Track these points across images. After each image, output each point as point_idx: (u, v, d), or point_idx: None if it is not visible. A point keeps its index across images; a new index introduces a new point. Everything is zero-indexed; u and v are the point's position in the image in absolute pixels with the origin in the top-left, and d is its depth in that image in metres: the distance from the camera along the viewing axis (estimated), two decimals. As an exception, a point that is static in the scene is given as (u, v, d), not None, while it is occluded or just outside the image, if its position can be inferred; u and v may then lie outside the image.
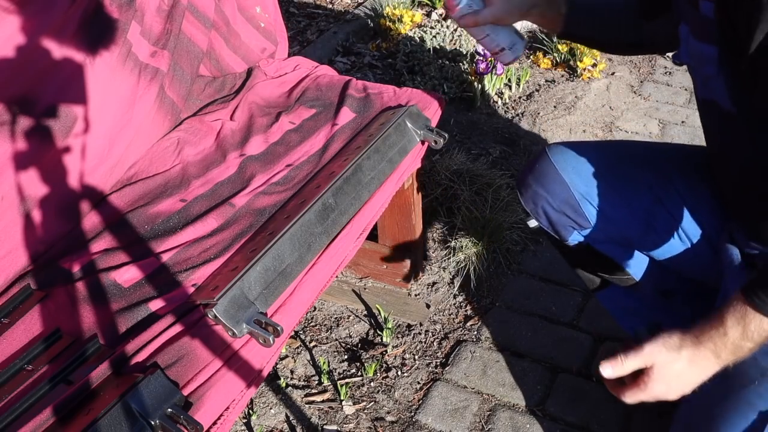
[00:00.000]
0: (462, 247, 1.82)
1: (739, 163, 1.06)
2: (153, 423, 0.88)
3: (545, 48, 2.79)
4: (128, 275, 1.12)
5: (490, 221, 1.86)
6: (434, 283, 1.82)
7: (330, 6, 3.28)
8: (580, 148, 1.29)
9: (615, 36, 1.30)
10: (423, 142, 1.46)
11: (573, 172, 1.26)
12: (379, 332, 1.69)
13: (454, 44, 2.78)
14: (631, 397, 0.94)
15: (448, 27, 2.88)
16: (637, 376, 0.93)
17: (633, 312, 1.43)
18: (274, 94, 1.63)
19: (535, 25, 3.01)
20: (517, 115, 2.45)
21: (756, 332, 0.86)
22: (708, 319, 0.90)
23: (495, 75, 2.46)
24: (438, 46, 2.76)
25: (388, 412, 1.51)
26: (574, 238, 1.33)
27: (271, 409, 1.52)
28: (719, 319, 0.88)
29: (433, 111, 1.53)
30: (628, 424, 1.46)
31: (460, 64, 2.62)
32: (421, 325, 1.71)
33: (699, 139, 2.30)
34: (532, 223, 1.35)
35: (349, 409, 1.51)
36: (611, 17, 1.29)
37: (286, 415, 1.51)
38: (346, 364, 1.62)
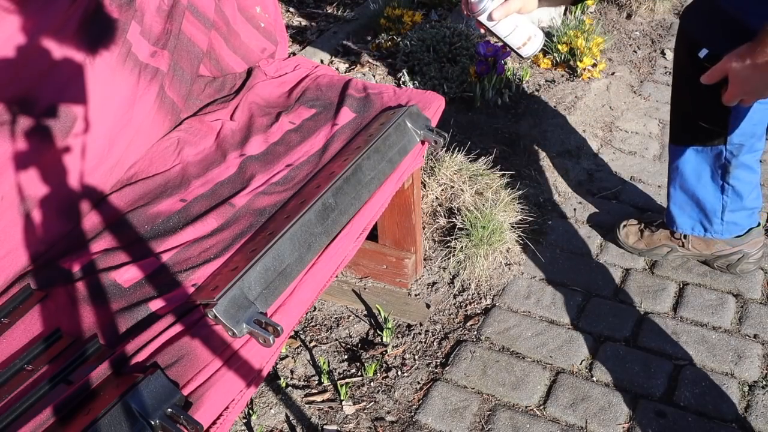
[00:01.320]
0: (462, 247, 1.82)
1: None
2: (153, 423, 0.88)
3: (545, 48, 2.79)
4: (128, 275, 1.12)
5: (490, 221, 1.86)
6: (434, 283, 1.82)
7: (330, 6, 3.28)
8: None
9: None
10: (423, 142, 1.46)
11: None
12: (379, 332, 1.69)
13: (454, 44, 2.78)
14: (726, 99, 1.26)
15: (448, 27, 2.88)
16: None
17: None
18: (274, 94, 1.63)
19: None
20: (517, 115, 2.45)
21: None
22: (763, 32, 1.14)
23: (495, 75, 2.46)
24: (438, 46, 2.76)
25: (388, 412, 1.51)
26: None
27: (271, 409, 1.52)
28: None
29: (433, 111, 1.53)
30: (628, 424, 1.46)
31: (460, 64, 2.62)
32: (421, 325, 1.71)
33: (699, 139, 2.31)
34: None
35: (349, 409, 1.51)
36: None
37: (286, 415, 1.51)
38: (346, 364, 1.62)
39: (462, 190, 1.94)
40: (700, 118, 1.60)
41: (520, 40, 1.28)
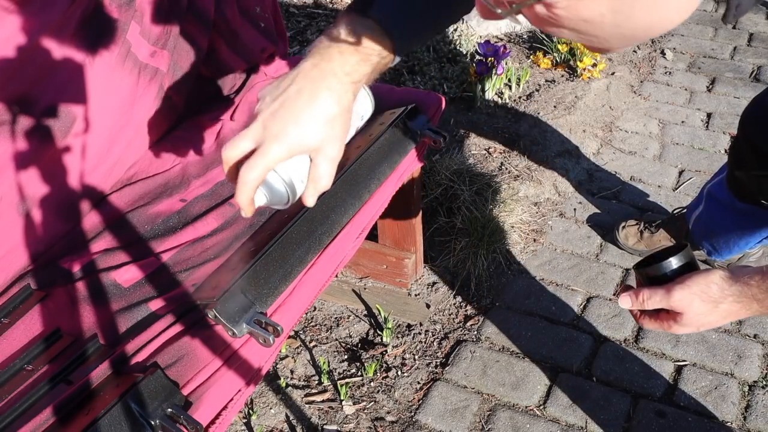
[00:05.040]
0: (462, 247, 1.82)
1: None
2: (153, 423, 0.88)
3: (545, 48, 2.79)
4: (128, 275, 1.11)
5: (490, 221, 1.86)
6: (434, 283, 1.82)
7: (330, 6, 3.28)
8: None
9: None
10: (423, 142, 1.46)
11: None
12: (379, 332, 1.68)
13: (454, 44, 2.78)
14: (650, 327, 0.91)
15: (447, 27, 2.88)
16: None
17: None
18: (274, 94, 1.63)
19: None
20: (517, 115, 2.45)
21: None
22: (765, 273, 0.83)
23: (495, 75, 2.46)
24: (438, 46, 2.76)
25: (388, 412, 1.51)
26: None
27: (271, 409, 1.52)
28: None
29: (433, 111, 1.53)
30: (628, 424, 1.46)
31: (460, 64, 2.62)
32: (421, 325, 1.71)
33: (699, 139, 2.31)
34: None
35: (349, 409, 1.51)
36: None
37: (286, 415, 1.51)
38: (346, 364, 1.62)
39: (462, 190, 1.94)
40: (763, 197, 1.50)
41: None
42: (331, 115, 0.79)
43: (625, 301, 0.90)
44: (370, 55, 0.83)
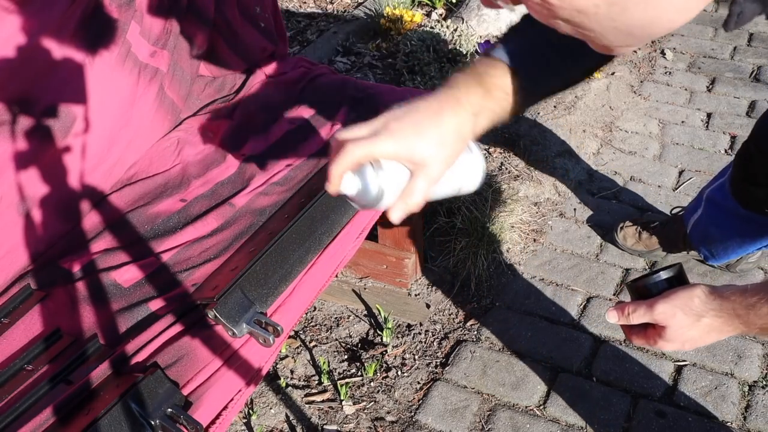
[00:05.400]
0: (462, 247, 1.82)
1: None
2: (153, 423, 0.88)
3: (545, 48, 2.78)
4: (128, 275, 1.12)
5: (490, 221, 1.86)
6: (434, 283, 1.82)
7: (330, 6, 3.28)
8: None
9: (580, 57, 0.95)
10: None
11: None
12: (379, 332, 1.68)
13: (454, 44, 2.78)
14: (638, 343, 0.92)
15: (448, 27, 2.88)
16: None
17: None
18: (274, 94, 1.63)
19: (535, 25, 3.02)
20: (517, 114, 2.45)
21: None
22: (746, 290, 0.82)
23: (495, 75, 2.46)
24: (438, 46, 2.76)
25: (388, 412, 1.51)
26: None
27: (271, 409, 1.52)
28: (761, 293, 0.80)
29: (433, 111, 1.53)
30: (628, 424, 1.46)
31: (460, 64, 2.62)
32: (421, 325, 1.71)
33: (699, 139, 2.31)
34: None
35: (349, 409, 1.51)
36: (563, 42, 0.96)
37: (286, 415, 1.51)
38: (346, 364, 1.62)
39: (462, 190, 1.93)
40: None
41: (450, 192, 0.91)
42: (447, 137, 0.80)
43: (612, 316, 0.91)
44: (493, 91, 0.84)
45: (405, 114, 0.79)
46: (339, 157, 0.77)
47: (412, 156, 0.77)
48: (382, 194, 0.79)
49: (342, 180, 0.78)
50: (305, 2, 3.32)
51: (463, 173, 0.87)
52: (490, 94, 0.84)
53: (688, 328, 0.85)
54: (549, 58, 0.89)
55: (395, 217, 0.80)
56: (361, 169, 0.78)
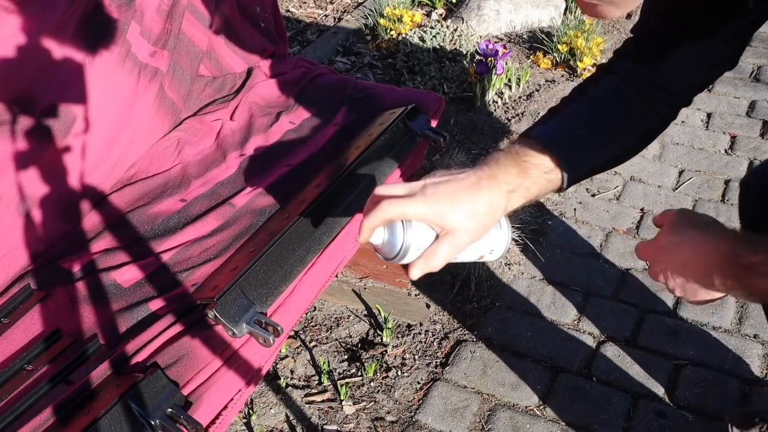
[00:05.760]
0: (462, 247, 1.82)
1: None
2: (153, 423, 0.88)
3: (545, 48, 2.79)
4: (128, 275, 1.12)
5: (490, 221, 1.86)
6: (434, 283, 1.82)
7: (330, 6, 3.28)
8: None
9: (632, 131, 0.98)
10: (423, 142, 1.46)
11: None
12: (379, 332, 1.68)
13: (454, 44, 2.78)
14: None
15: (448, 27, 2.88)
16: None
17: None
18: (274, 94, 1.63)
19: (534, 25, 3.03)
20: (517, 115, 2.45)
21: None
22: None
23: (495, 75, 2.46)
24: (438, 46, 2.76)
25: (388, 412, 1.51)
26: None
27: (271, 409, 1.52)
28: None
29: (433, 111, 1.53)
30: (628, 424, 1.46)
31: (460, 64, 2.62)
32: (421, 325, 1.71)
33: (699, 139, 2.31)
34: None
35: (349, 409, 1.51)
36: (612, 111, 0.97)
37: (286, 415, 1.51)
38: (346, 364, 1.62)
39: (462, 190, 1.93)
40: None
41: (472, 257, 0.93)
42: (479, 210, 0.83)
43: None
44: (529, 170, 0.87)
45: (443, 181, 0.83)
46: (374, 212, 0.81)
47: (442, 222, 0.81)
48: (407, 251, 0.83)
49: (373, 233, 0.83)
50: (305, 2, 3.32)
51: (487, 244, 0.90)
52: (526, 173, 0.87)
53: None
54: (585, 137, 0.93)
55: (414, 274, 0.83)
56: (392, 223, 0.82)
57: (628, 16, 3.13)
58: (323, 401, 1.53)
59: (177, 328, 1.01)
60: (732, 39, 0.91)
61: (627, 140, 0.97)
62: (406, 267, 0.86)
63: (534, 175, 0.88)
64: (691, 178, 2.14)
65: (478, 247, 0.89)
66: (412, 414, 1.50)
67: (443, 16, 3.14)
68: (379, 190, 0.84)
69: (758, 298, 0.80)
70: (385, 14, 2.97)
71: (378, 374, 1.59)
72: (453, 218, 0.81)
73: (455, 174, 0.84)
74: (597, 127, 0.94)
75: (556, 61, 2.74)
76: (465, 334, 1.68)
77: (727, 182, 2.10)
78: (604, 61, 2.67)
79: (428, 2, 3.21)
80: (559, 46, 2.71)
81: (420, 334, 1.69)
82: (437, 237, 0.83)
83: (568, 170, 0.90)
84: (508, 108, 2.49)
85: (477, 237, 0.85)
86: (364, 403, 1.53)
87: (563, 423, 1.47)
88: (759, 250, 0.76)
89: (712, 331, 1.65)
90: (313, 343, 1.67)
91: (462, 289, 1.79)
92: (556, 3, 3.06)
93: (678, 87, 0.95)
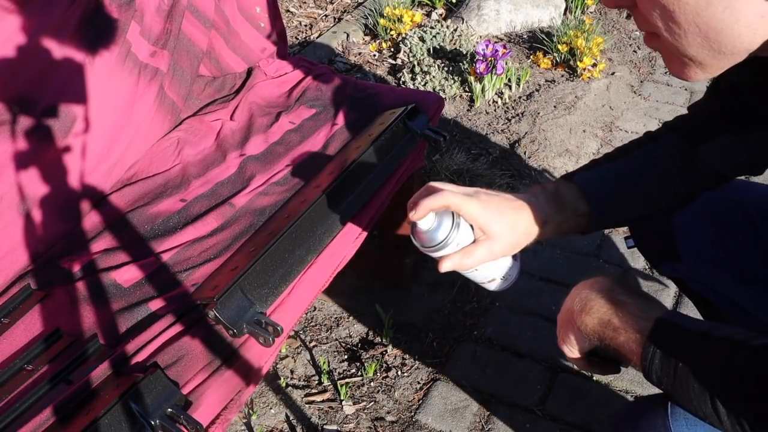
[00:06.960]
0: (462, 247, 1.82)
1: None
2: (153, 423, 0.88)
3: (545, 48, 2.79)
4: (128, 275, 1.11)
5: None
6: (434, 283, 1.82)
7: (330, 6, 3.28)
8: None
9: (660, 197, 1.03)
10: (423, 142, 1.46)
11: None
12: (379, 332, 1.69)
13: (454, 44, 2.78)
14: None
15: (448, 27, 2.88)
16: None
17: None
18: (274, 94, 1.63)
19: (534, 25, 3.02)
20: (517, 115, 2.45)
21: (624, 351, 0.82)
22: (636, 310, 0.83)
23: (495, 75, 2.46)
24: (438, 46, 2.76)
25: (388, 412, 1.51)
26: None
27: (271, 409, 1.52)
28: (633, 322, 0.81)
29: (433, 111, 1.53)
30: (628, 424, 1.46)
31: (460, 64, 2.62)
32: (421, 325, 1.71)
33: (699, 139, 2.31)
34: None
35: (349, 409, 1.51)
36: (646, 176, 1.02)
37: (286, 415, 1.51)
38: (346, 364, 1.62)
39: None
40: None
41: (480, 280, 0.98)
42: (519, 227, 0.91)
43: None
44: (565, 208, 0.96)
45: (494, 194, 0.92)
46: (435, 196, 0.87)
47: (487, 227, 0.88)
48: (446, 245, 0.88)
49: (427, 214, 0.87)
50: (305, 2, 3.32)
51: (498, 271, 0.96)
52: (562, 210, 0.96)
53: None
54: (618, 196, 1.00)
55: (444, 267, 0.89)
56: (442, 217, 0.87)
57: (629, 16, 3.14)
58: (323, 401, 1.53)
59: (177, 328, 1.01)
60: (765, 145, 0.97)
61: (653, 206, 1.03)
62: (434, 260, 0.91)
63: (567, 214, 0.96)
64: (691, 178, 2.14)
65: (491, 270, 0.95)
66: (412, 414, 1.50)
67: (443, 16, 3.14)
68: (436, 183, 0.90)
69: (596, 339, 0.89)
70: (385, 14, 2.97)
71: (378, 374, 1.59)
72: (497, 227, 0.89)
73: (504, 195, 0.93)
74: (630, 189, 1.01)
75: (556, 61, 2.74)
76: (465, 334, 1.68)
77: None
78: (603, 61, 2.68)
79: (428, 2, 3.21)
80: (559, 46, 2.71)
81: (420, 334, 1.69)
82: (473, 242, 0.89)
83: (596, 218, 0.98)
84: (508, 108, 2.49)
85: (509, 251, 0.92)
86: (364, 403, 1.53)
87: (563, 423, 1.47)
88: (632, 293, 0.85)
89: (712, 331, 1.65)
90: (313, 343, 1.67)
91: (462, 289, 1.79)
92: (556, 3, 3.06)
93: (711, 173, 1.01)
